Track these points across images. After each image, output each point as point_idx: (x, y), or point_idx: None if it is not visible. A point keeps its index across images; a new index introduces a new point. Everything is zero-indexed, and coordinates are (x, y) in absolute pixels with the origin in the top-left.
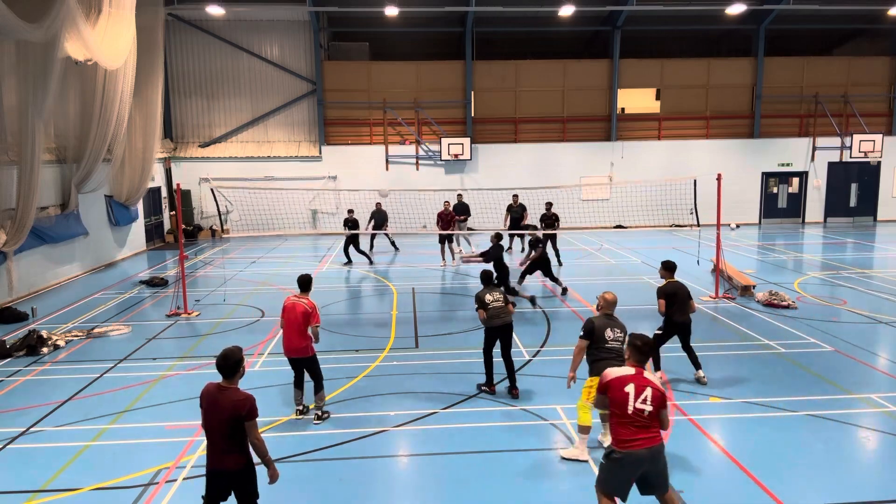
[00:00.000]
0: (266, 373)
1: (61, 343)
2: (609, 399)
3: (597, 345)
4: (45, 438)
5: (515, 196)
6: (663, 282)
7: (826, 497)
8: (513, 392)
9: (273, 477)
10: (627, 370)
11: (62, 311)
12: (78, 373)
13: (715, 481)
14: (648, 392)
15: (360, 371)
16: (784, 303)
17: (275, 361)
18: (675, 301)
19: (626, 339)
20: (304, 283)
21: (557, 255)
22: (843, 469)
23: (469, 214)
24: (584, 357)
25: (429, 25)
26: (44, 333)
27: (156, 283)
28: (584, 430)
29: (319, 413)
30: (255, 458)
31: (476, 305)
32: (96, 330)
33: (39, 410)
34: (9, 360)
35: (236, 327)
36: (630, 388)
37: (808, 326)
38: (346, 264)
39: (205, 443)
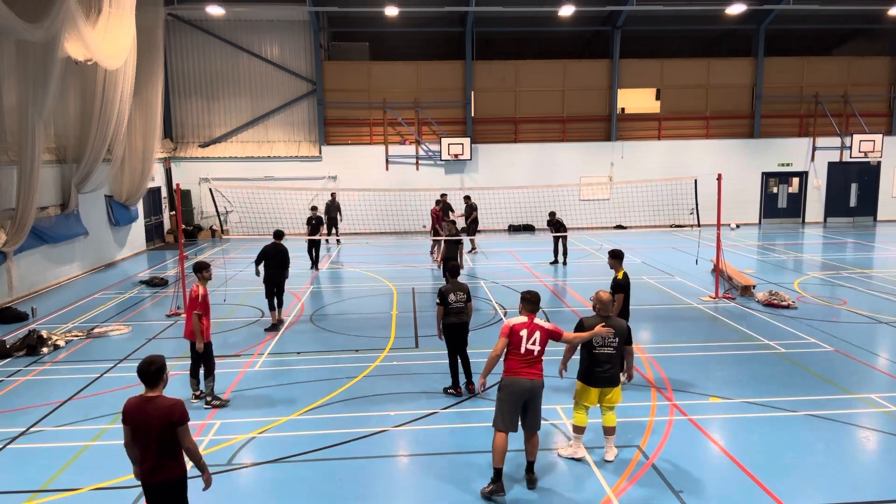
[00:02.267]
0: (266, 373)
1: (61, 343)
2: (509, 341)
3: (587, 349)
4: (44, 438)
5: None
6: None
7: (826, 497)
8: (469, 387)
9: (208, 482)
10: (523, 318)
11: (62, 311)
12: (78, 373)
13: (715, 481)
14: (537, 335)
15: (360, 371)
16: (784, 303)
17: (275, 361)
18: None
19: (618, 342)
20: (195, 269)
21: (565, 254)
22: (843, 469)
23: (452, 212)
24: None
25: (429, 25)
26: (44, 333)
27: (156, 283)
28: (578, 430)
29: (210, 399)
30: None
31: (437, 300)
32: (96, 330)
33: (39, 410)
34: (9, 360)
35: (236, 327)
36: (524, 333)
37: (808, 326)
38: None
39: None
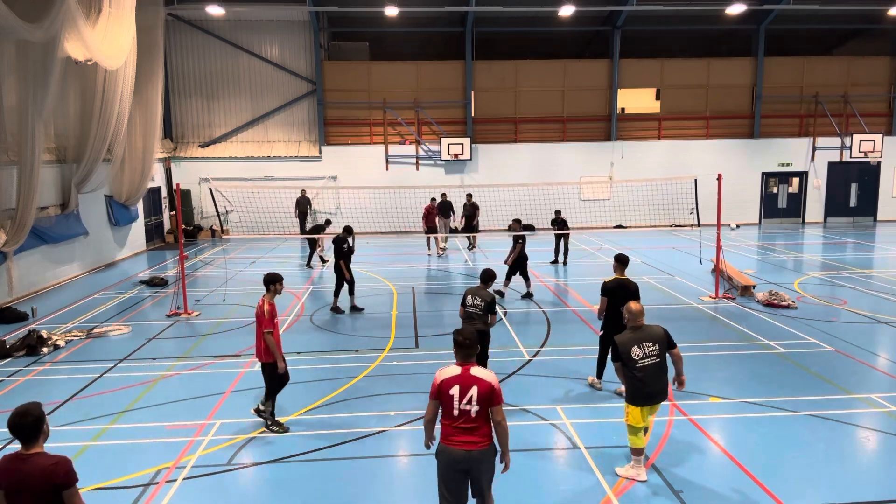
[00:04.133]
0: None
1: (61, 343)
2: (441, 403)
3: (629, 366)
4: None
5: (469, 195)
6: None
7: (826, 497)
8: None
9: None
10: (454, 370)
11: (62, 311)
12: (78, 373)
13: (715, 481)
14: (474, 391)
15: (360, 371)
16: (784, 303)
17: None
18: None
19: (660, 349)
20: (266, 282)
21: (566, 254)
22: (843, 469)
23: (452, 212)
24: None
25: (429, 25)
26: (44, 333)
27: (156, 283)
28: (636, 452)
29: (269, 423)
30: None
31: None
32: (96, 330)
33: None
34: (9, 360)
35: (236, 327)
36: (455, 391)
37: (808, 326)
38: (325, 263)
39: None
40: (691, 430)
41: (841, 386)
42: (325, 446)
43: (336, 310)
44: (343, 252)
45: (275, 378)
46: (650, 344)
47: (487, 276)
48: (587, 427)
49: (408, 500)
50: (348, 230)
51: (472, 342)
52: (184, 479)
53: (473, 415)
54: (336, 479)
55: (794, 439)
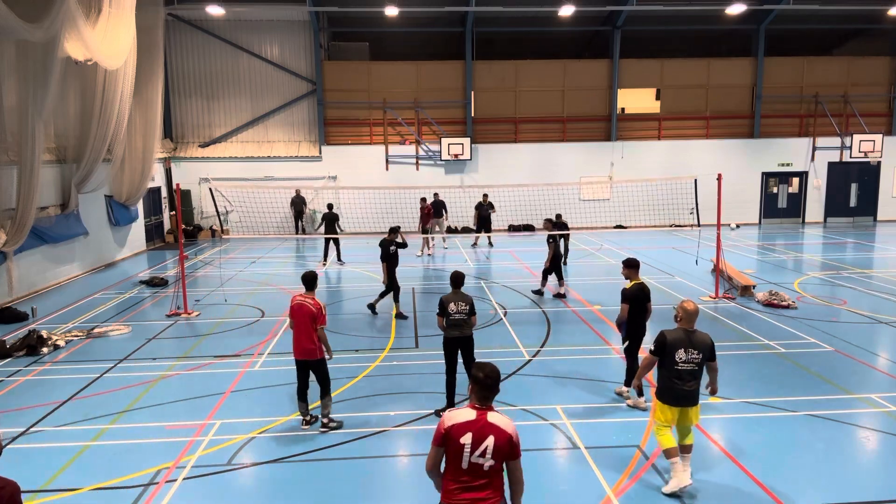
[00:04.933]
0: (267, 373)
1: (61, 343)
2: (445, 450)
3: (667, 365)
4: (44, 438)
5: (485, 195)
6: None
7: (826, 497)
8: None
9: None
10: (469, 414)
11: (62, 311)
12: (78, 373)
13: (715, 481)
14: (490, 442)
15: (360, 371)
16: (784, 303)
17: (275, 361)
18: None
19: (701, 359)
20: (309, 280)
21: (566, 254)
22: (843, 469)
23: (444, 211)
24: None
25: (429, 25)
26: (44, 333)
27: (156, 283)
28: (669, 453)
29: (326, 421)
30: None
31: (437, 310)
32: (96, 330)
33: (39, 410)
34: (9, 360)
35: (236, 327)
36: (467, 439)
37: (808, 326)
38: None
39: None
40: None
41: (841, 386)
42: (325, 446)
43: (371, 307)
44: (389, 255)
45: (318, 374)
46: (695, 351)
47: (459, 279)
48: (587, 427)
49: (408, 500)
50: (394, 230)
51: (496, 381)
52: (184, 479)
53: (486, 468)
54: (336, 479)
55: (794, 439)
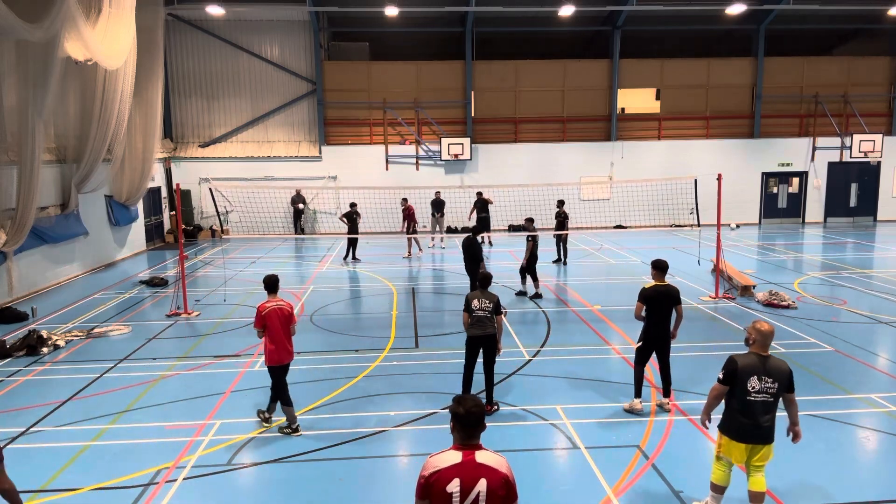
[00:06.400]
0: (266, 373)
1: (61, 343)
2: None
3: (737, 395)
4: (44, 438)
5: (479, 193)
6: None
7: (826, 497)
8: (487, 408)
9: None
10: (453, 457)
11: (62, 311)
12: (78, 373)
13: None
14: (482, 487)
15: (360, 371)
16: (784, 303)
17: None
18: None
19: (777, 389)
20: (272, 284)
21: (565, 255)
22: (843, 469)
23: (442, 210)
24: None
25: (429, 25)
26: (44, 333)
27: (156, 283)
28: (715, 488)
29: (289, 430)
30: None
31: (463, 307)
32: (96, 330)
33: (39, 410)
34: (9, 360)
35: (236, 327)
36: (454, 487)
37: (808, 326)
38: (355, 260)
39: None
40: (691, 430)
41: (841, 386)
42: (325, 446)
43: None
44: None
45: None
46: (770, 380)
47: (487, 279)
48: (587, 427)
49: (407, 500)
50: (477, 229)
51: (479, 417)
52: (184, 479)
53: None
54: (336, 479)
55: None
